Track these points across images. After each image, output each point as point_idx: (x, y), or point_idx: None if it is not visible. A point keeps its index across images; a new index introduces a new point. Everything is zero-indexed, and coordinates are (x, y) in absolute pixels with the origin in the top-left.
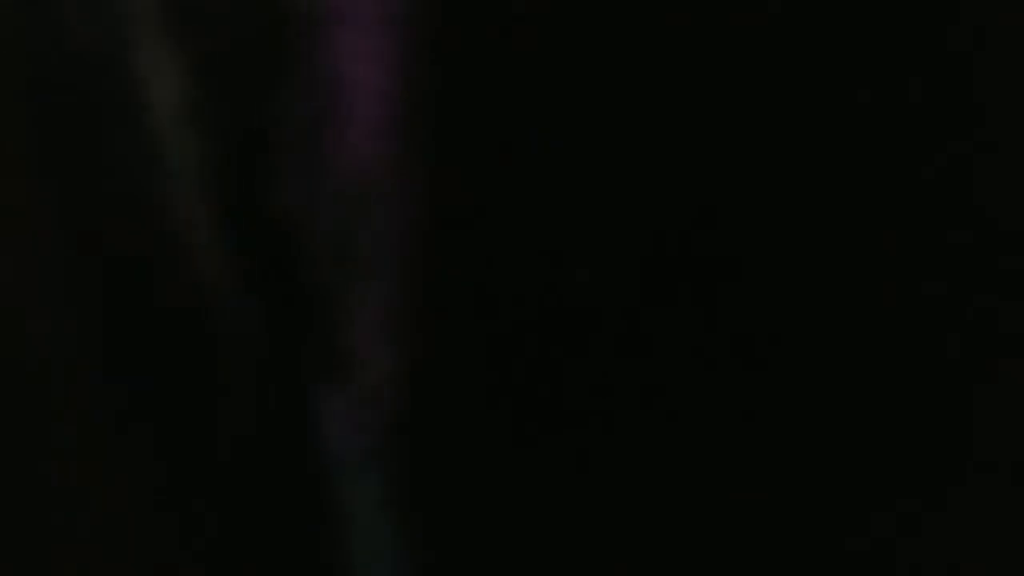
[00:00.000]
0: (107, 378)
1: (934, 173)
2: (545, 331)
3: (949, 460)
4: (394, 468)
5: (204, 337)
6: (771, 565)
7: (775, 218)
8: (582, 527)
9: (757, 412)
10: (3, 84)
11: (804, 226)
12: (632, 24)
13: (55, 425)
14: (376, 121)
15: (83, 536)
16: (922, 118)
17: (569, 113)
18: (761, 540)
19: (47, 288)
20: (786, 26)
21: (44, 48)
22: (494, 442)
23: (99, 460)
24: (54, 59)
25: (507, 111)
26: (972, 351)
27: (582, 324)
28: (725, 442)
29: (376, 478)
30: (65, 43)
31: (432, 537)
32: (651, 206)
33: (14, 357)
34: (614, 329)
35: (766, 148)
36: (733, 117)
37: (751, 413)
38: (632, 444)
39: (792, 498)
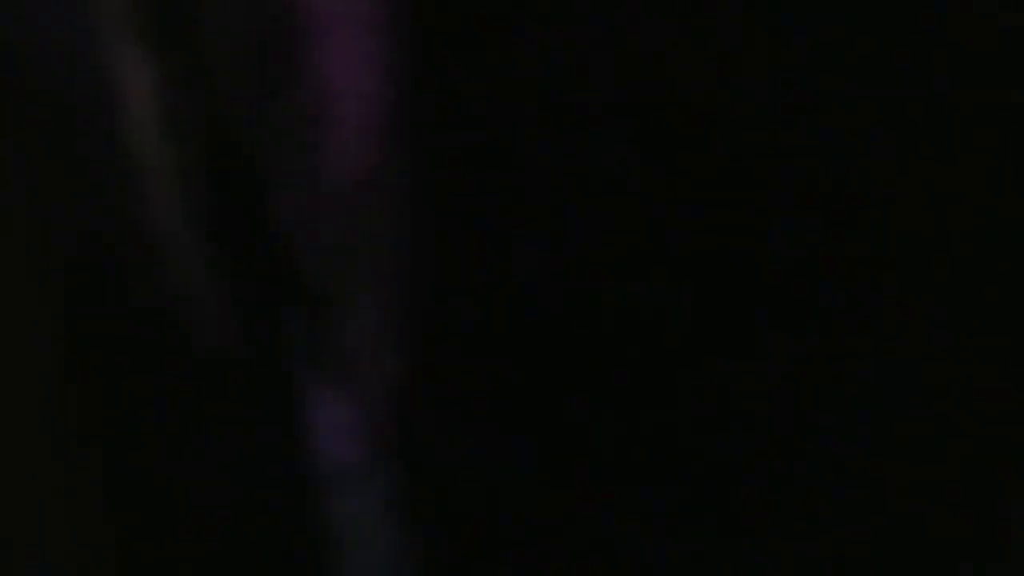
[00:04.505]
0: (97, 386)
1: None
2: (544, 336)
3: None
4: (394, 478)
5: (195, 345)
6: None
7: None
8: (583, 535)
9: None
10: None
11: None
12: (613, 24)
13: (24, 429)
14: (367, 127)
15: (58, 546)
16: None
17: (558, 114)
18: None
19: (20, 286)
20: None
21: (23, 52)
22: (494, 451)
23: (84, 470)
24: (32, 63)
25: (497, 112)
26: None
27: (581, 328)
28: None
29: (375, 488)
30: (44, 48)
31: (431, 547)
32: (648, 205)
33: None
34: (616, 333)
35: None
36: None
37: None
38: (632, 451)
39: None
